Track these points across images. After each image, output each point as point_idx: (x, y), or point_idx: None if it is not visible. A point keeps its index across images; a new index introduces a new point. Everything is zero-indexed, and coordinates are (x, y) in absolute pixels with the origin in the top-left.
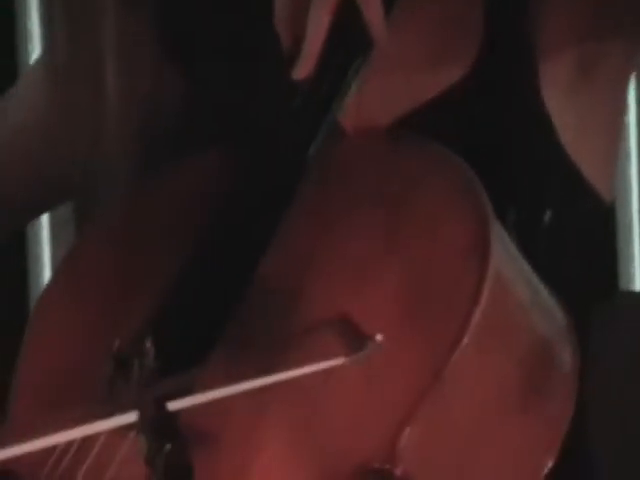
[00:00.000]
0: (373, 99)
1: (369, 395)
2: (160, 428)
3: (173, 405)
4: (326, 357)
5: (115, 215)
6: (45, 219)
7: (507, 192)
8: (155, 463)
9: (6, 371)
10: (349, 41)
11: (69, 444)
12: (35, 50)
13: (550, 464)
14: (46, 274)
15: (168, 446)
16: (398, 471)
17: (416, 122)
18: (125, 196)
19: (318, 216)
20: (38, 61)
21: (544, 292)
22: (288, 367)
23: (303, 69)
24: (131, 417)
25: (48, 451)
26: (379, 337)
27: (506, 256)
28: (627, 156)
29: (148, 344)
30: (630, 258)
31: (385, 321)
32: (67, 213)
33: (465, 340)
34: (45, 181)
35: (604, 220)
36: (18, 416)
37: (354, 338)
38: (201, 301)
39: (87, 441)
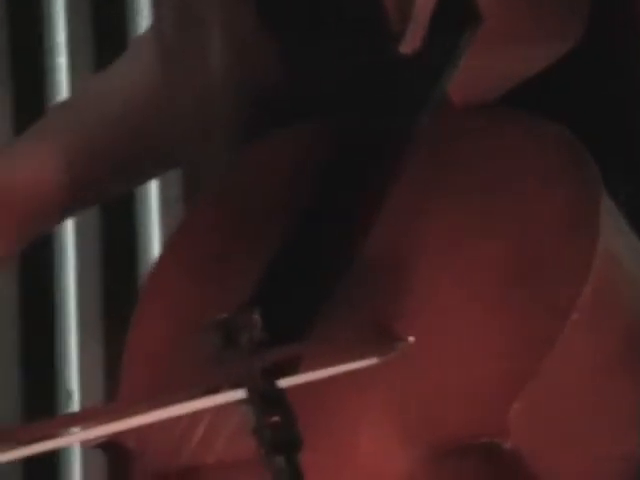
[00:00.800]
0: (480, 73)
1: (478, 368)
2: (268, 400)
3: (282, 382)
4: None
5: (221, 188)
6: (154, 195)
7: (619, 167)
8: (263, 435)
9: (118, 343)
10: (456, 14)
11: (177, 418)
12: (144, 23)
13: None
14: (155, 249)
15: (276, 418)
16: (508, 444)
17: (521, 95)
18: (230, 169)
19: (424, 190)
20: (146, 34)
21: None
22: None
23: (411, 43)
24: (240, 393)
25: (157, 424)
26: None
27: (616, 232)
28: None
29: (256, 315)
30: None
31: (493, 294)
32: (176, 189)
33: (575, 315)
34: (153, 152)
35: None
36: (128, 387)
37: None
38: (306, 272)
39: (196, 414)
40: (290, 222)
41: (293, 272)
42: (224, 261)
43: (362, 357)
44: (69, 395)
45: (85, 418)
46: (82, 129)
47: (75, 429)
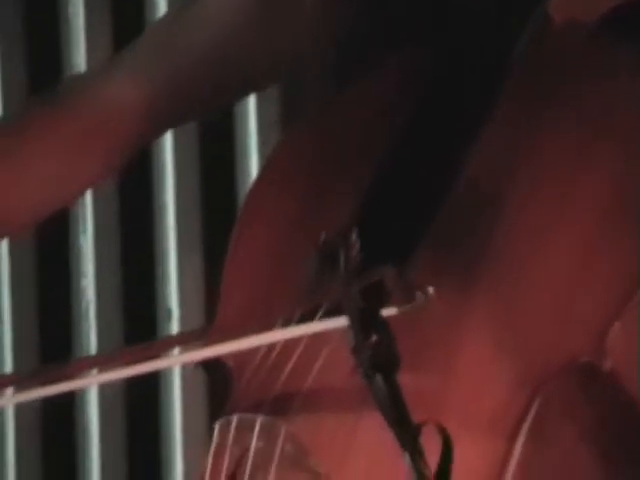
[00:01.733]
0: None
1: (579, 287)
2: (367, 320)
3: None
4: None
5: (317, 114)
6: (253, 114)
7: None
8: (362, 354)
9: (218, 262)
10: None
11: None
12: None
13: None
14: (253, 169)
15: (375, 337)
16: (606, 366)
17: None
18: (325, 98)
19: (521, 120)
20: None
21: None
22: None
23: None
24: (340, 321)
25: (254, 349)
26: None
27: None
28: None
29: (354, 236)
30: None
31: (591, 219)
32: (274, 110)
33: None
34: (239, 85)
35: None
36: (227, 310)
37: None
38: (405, 193)
39: (292, 340)
40: (387, 149)
41: (391, 196)
42: (321, 184)
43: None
44: (169, 314)
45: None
46: (169, 59)
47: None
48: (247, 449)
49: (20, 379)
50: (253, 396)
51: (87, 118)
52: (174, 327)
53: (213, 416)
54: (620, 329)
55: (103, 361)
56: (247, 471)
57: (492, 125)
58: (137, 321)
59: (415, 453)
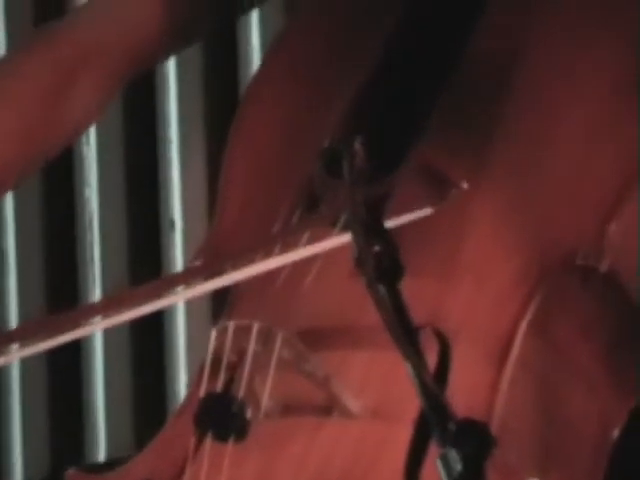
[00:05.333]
0: None
1: (582, 175)
2: (370, 229)
3: (389, 223)
4: None
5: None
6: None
7: None
8: (365, 264)
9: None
10: None
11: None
12: None
13: None
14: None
15: (378, 247)
16: (603, 267)
17: None
18: None
19: None
20: None
21: None
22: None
23: None
24: (345, 237)
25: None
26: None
27: None
28: None
29: (357, 144)
30: None
31: (603, 97)
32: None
33: None
34: None
35: None
36: (227, 210)
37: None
38: (403, 97)
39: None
40: (392, 30)
41: (389, 98)
42: (321, 83)
43: (416, 208)
44: (172, 224)
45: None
46: None
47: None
48: (244, 354)
49: (25, 333)
50: (250, 302)
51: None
52: (177, 238)
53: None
54: (618, 228)
55: (108, 307)
56: (245, 376)
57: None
58: (141, 232)
59: (416, 361)
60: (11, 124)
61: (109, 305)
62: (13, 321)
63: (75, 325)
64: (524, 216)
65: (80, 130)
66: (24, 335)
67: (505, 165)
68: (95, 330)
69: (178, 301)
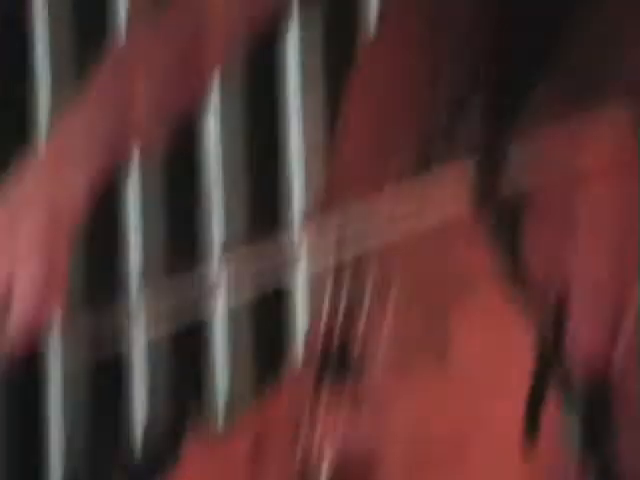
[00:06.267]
0: None
1: None
2: (496, 166)
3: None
4: None
5: None
6: None
7: None
8: (487, 200)
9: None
10: None
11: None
12: None
13: None
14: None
15: (501, 182)
16: None
17: None
18: None
19: None
20: None
21: None
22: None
23: None
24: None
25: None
26: None
27: None
28: None
29: (479, 95)
30: None
31: None
32: None
33: None
34: None
35: None
36: (347, 146)
37: None
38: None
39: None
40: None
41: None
42: (437, 38)
43: None
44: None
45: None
46: None
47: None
48: (361, 302)
49: None
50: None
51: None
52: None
53: None
54: None
55: None
56: (361, 324)
57: None
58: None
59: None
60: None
61: None
62: None
63: None
64: None
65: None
66: None
67: None
68: None
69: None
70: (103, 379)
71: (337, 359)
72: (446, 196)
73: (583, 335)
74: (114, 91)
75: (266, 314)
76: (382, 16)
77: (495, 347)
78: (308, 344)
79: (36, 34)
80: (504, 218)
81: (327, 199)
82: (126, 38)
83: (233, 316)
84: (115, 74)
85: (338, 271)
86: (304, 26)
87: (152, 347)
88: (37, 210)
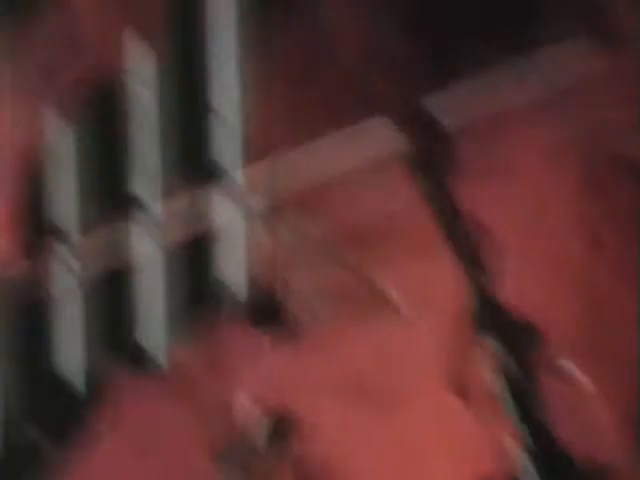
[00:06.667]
0: None
1: None
2: (421, 123)
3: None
4: None
5: None
6: None
7: None
8: (416, 160)
9: None
10: None
11: None
12: None
13: None
14: None
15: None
16: None
17: None
18: None
19: None
20: None
21: None
22: None
23: None
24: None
25: None
26: None
27: None
28: None
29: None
30: None
31: None
32: None
33: None
34: None
35: None
36: None
37: None
38: None
39: None
40: None
41: None
42: None
43: None
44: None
45: None
46: None
47: None
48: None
49: None
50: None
51: None
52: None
53: None
54: None
55: None
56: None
57: None
58: None
59: (469, 258)
60: None
61: None
62: None
63: None
64: None
65: None
66: None
67: None
68: None
69: None
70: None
71: (267, 306)
72: (368, 146)
73: (513, 283)
74: None
75: (197, 257)
76: None
77: (426, 293)
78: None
79: None
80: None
81: (254, 149)
82: None
83: (166, 259)
84: None
85: (267, 219)
86: None
87: (86, 289)
88: None
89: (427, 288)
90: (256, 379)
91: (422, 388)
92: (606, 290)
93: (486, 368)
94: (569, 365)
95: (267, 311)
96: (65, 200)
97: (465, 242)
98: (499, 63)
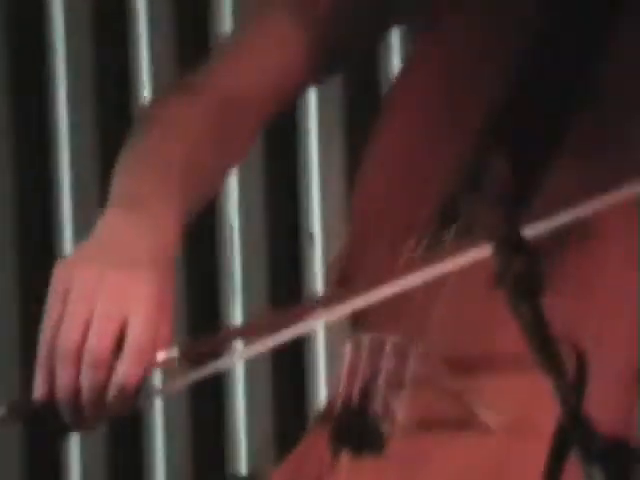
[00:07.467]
0: None
1: None
2: (512, 243)
3: (528, 232)
4: None
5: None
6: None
7: None
8: (506, 280)
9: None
10: None
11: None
12: None
13: None
14: None
15: (520, 262)
16: None
17: None
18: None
19: None
20: None
21: None
22: None
23: None
24: (486, 251)
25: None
26: None
27: None
28: None
29: (500, 161)
30: None
31: None
32: None
33: None
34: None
35: None
36: (358, 225)
37: None
38: (538, 105)
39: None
40: (519, 59)
41: (529, 111)
42: (454, 98)
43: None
44: (311, 238)
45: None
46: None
47: (319, 311)
48: (379, 369)
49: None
50: (385, 316)
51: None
52: (317, 251)
53: None
54: None
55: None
56: (380, 390)
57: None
58: (281, 245)
59: (558, 375)
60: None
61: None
62: None
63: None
64: None
65: (233, 167)
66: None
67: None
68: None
69: (318, 326)
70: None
71: (355, 425)
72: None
73: (603, 398)
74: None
75: (287, 376)
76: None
77: (519, 413)
78: (326, 411)
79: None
80: (527, 288)
81: (344, 275)
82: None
83: (253, 371)
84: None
85: (356, 340)
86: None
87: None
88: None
89: (524, 410)
90: None
91: None
92: None
93: None
94: None
95: (358, 429)
96: None
97: (554, 359)
98: None
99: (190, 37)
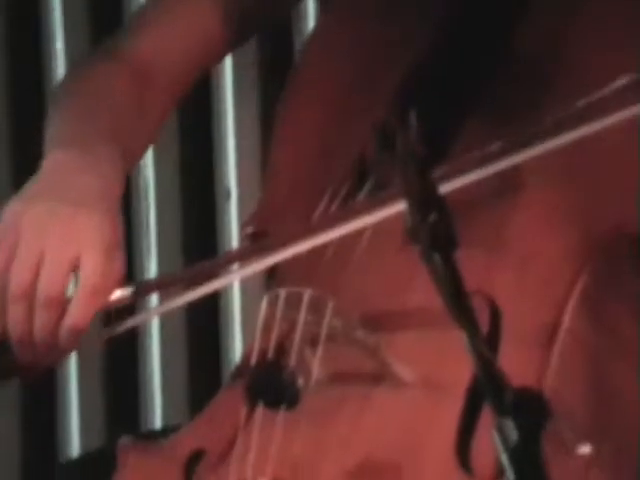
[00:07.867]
0: None
1: (625, 158)
2: (425, 199)
3: (443, 189)
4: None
5: None
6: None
7: None
8: (420, 234)
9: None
10: None
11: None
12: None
13: None
14: None
15: (433, 216)
16: None
17: None
18: None
19: None
20: None
21: None
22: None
23: None
24: (400, 206)
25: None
26: None
27: None
28: None
29: (413, 117)
30: None
31: None
32: None
33: None
34: None
35: None
36: (275, 184)
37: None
38: (453, 71)
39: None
40: (434, 23)
41: (441, 72)
42: (369, 61)
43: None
44: (228, 194)
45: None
46: None
47: (234, 267)
48: (295, 323)
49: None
50: (301, 271)
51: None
52: (232, 207)
53: None
54: None
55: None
56: (295, 344)
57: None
58: (196, 203)
59: (471, 328)
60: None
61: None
62: None
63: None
64: (572, 193)
65: (155, 135)
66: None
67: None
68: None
69: (233, 280)
70: None
71: (270, 380)
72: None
73: (516, 351)
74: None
75: (201, 332)
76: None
77: (433, 367)
78: (241, 365)
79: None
80: (439, 243)
81: (259, 231)
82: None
83: (168, 327)
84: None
85: (272, 295)
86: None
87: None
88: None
89: (438, 364)
90: (262, 456)
91: (430, 465)
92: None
93: (496, 444)
94: (572, 435)
95: (272, 384)
96: None
97: (467, 313)
98: None
99: None
